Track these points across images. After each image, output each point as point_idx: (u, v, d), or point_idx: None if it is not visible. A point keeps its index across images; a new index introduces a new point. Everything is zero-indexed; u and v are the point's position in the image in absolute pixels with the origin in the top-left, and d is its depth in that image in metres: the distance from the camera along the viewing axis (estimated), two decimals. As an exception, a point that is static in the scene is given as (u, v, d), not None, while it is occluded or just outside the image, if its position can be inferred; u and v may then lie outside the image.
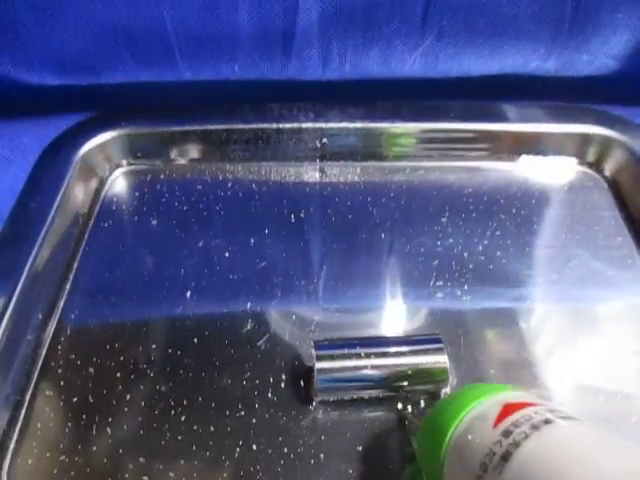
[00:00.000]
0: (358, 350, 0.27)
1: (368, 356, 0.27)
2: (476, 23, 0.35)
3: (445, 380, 0.27)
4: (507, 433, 0.19)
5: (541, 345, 0.31)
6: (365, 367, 0.27)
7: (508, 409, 0.20)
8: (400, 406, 0.28)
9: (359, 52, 0.36)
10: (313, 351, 0.27)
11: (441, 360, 0.27)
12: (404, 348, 0.27)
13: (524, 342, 0.31)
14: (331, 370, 0.27)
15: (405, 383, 0.27)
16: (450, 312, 0.32)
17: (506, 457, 0.18)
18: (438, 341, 0.28)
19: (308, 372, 0.29)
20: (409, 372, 0.27)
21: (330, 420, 0.27)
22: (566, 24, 0.35)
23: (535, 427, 0.18)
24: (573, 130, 0.39)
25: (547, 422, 0.18)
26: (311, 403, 0.28)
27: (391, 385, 0.27)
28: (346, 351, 0.27)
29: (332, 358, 0.27)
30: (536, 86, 0.40)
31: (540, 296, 0.33)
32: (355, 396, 0.28)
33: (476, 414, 0.21)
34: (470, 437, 0.20)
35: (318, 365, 0.27)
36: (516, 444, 0.18)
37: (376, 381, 0.27)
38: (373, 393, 0.28)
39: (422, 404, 0.28)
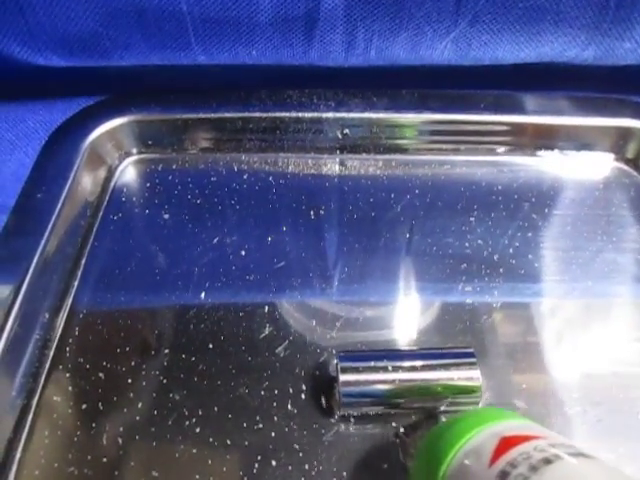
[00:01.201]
0: (385, 363, 0.25)
1: (395, 369, 0.25)
2: (514, 8, 0.32)
3: (477, 397, 0.25)
4: (503, 475, 0.17)
5: (567, 345, 0.29)
6: (392, 381, 0.25)
7: (505, 444, 0.18)
8: (399, 428, 0.26)
9: (386, 37, 0.34)
10: (337, 363, 0.26)
11: (474, 376, 0.25)
12: (434, 362, 0.26)
13: (551, 344, 0.29)
14: (356, 383, 0.25)
15: (435, 399, 0.25)
16: (478, 316, 0.30)
17: None
18: (471, 355, 0.26)
19: (330, 383, 0.27)
20: (439, 388, 0.25)
21: (354, 435, 0.26)
22: (611, 9, 0.32)
23: (534, 468, 0.16)
24: (610, 123, 0.37)
25: (547, 462, 0.16)
26: (333, 416, 0.26)
27: (418, 401, 0.25)
28: (372, 364, 0.25)
29: (357, 371, 0.25)
30: (573, 76, 0.37)
31: (574, 304, 0.31)
32: (380, 411, 0.26)
33: (471, 448, 0.19)
34: (465, 475, 0.18)
35: (342, 378, 0.25)
36: None
37: (403, 396, 0.25)
38: (399, 409, 0.26)
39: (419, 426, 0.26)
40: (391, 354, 0.26)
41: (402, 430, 0.26)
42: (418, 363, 0.26)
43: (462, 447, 0.19)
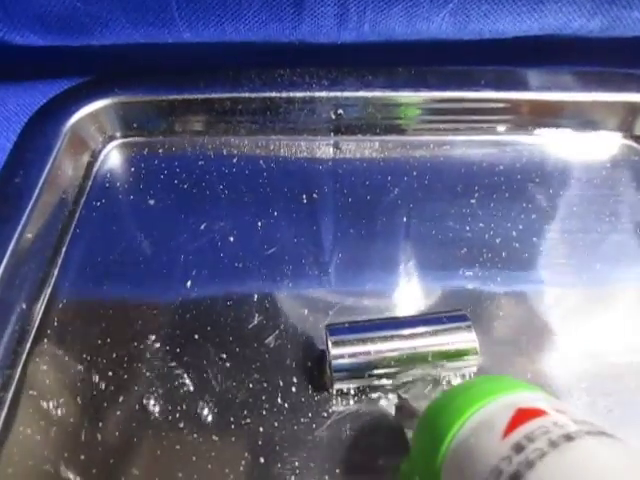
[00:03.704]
0: (376, 333, 0.24)
1: (387, 339, 0.24)
2: (515, -25, 0.30)
3: (474, 360, 0.24)
4: (519, 448, 0.15)
5: (574, 333, 0.28)
6: (385, 351, 0.24)
7: (521, 416, 0.16)
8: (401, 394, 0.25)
9: (380, 9, 0.32)
10: (326, 336, 0.24)
11: (469, 338, 0.24)
12: (427, 328, 0.24)
13: (557, 331, 0.28)
14: (347, 355, 0.23)
15: (432, 366, 0.24)
16: (480, 302, 0.28)
17: (516, 479, 0.14)
18: (464, 318, 0.25)
19: (322, 373, 0.25)
20: (434, 354, 0.24)
21: (347, 430, 0.24)
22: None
23: (553, 444, 0.15)
24: (618, 99, 0.35)
25: (569, 438, 0.15)
26: (326, 410, 0.25)
27: (414, 369, 0.24)
28: (363, 335, 0.24)
29: (348, 343, 0.24)
30: (577, 49, 0.35)
31: (581, 289, 0.29)
32: (376, 382, 0.24)
33: (482, 418, 0.17)
34: (473, 447, 0.16)
35: (334, 351, 0.23)
36: (529, 464, 0.14)
37: (397, 365, 0.24)
38: (394, 380, 0.25)
39: (426, 391, 0.25)
40: (381, 324, 0.25)
41: (403, 395, 0.24)
42: (410, 331, 0.24)
43: (472, 416, 0.17)
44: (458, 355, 0.24)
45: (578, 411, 0.17)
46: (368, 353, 0.24)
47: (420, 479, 0.19)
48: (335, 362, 0.23)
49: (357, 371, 0.24)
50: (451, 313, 0.25)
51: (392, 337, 0.24)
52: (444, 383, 0.25)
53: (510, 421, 0.16)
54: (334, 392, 0.25)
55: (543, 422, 0.16)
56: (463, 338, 0.24)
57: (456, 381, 0.25)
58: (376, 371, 0.24)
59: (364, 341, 0.24)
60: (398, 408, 0.24)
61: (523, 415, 0.16)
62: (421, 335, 0.24)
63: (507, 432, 0.16)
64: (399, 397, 0.25)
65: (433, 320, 0.25)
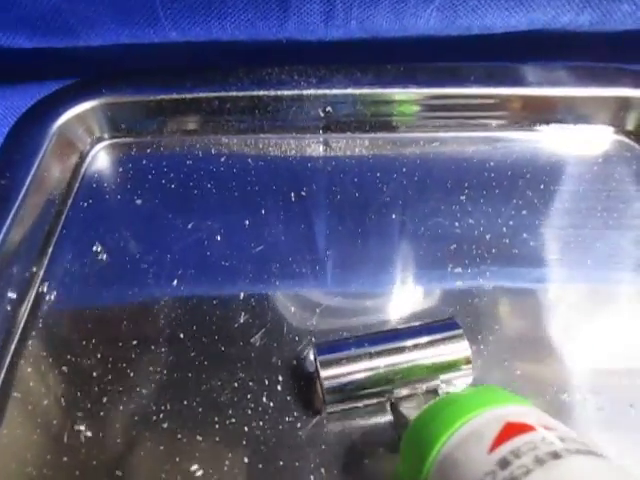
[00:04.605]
0: (367, 349, 0.23)
1: (378, 354, 0.23)
2: (502, -31, 0.30)
3: (469, 369, 0.24)
4: (504, 463, 0.15)
5: (564, 329, 0.27)
6: (377, 368, 0.23)
7: (509, 430, 0.16)
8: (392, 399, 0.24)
9: (366, 6, 0.32)
10: (315, 356, 0.24)
11: (462, 347, 0.23)
12: (418, 340, 0.24)
13: (548, 328, 0.27)
14: (338, 376, 0.23)
15: (426, 379, 0.23)
16: (469, 300, 0.28)
17: None
18: (455, 326, 0.24)
19: (309, 374, 0.25)
20: (427, 366, 0.23)
21: (333, 429, 0.24)
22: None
23: (540, 461, 0.14)
24: (609, 94, 0.35)
25: (556, 456, 0.14)
26: (311, 410, 0.24)
27: (408, 383, 0.23)
28: (353, 351, 0.23)
29: (338, 363, 0.23)
30: (568, 44, 0.35)
31: (572, 286, 0.29)
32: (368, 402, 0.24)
33: (469, 431, 0.17)
34: (459, 460, 0.16)
35: (324, 373, 0.23)
36: None
37: (391, 382, 0.23)
38: (388, 395, 0.24)
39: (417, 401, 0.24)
40: (371, 338, 0.24)
41: (396, 401, 0.24)
42: (401, 344, 0.24)
43: (460, 427, 0.17)
44: (452, 366, 0.23)
45: (568, 428, 0.17)
46: (359, 372, 0.23)
47: None
48: (327, 384, 0.23)
49: (349, 392, 0.23)
50: (442, 321, 0.25)
51: (382, 352, 0.23)
52: (440, 393, 0.24)
53: (497, 435, 0.16)
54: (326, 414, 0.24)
55: (532, 438, 0.15)
56: (456, 348, 0.23)
57: (450, 390, 0.25)
58: (368, 390, 0.23)
59: (354, 359, 0.23)
60: (392, 409, 0.24)
61: (511, 429, 0.16)
62: (412, 348, 0.23)
63: (494, 446, 0.16)
64: (391, 404, 0.24)
65: (423, 330, 0.24)
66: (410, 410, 0.23)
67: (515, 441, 0.15)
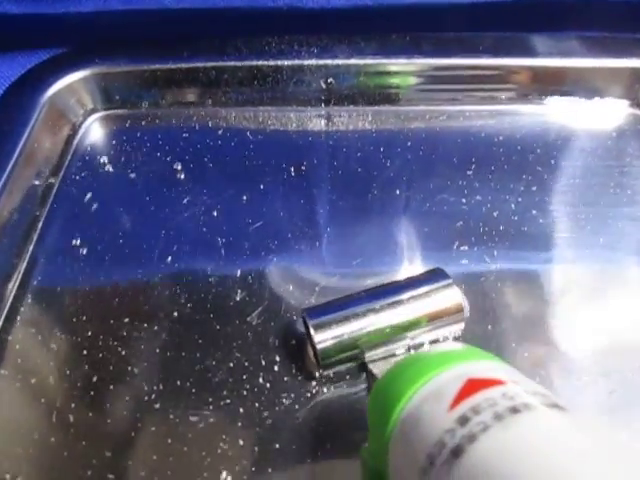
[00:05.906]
0: (356, 309, 0.23)
1: (370, 312, 0.22)
2: None
3: (461, 317, 0.23)
4: (463, 420, 0.14)
5: (574, 310, 0.26)
6: (369, 325, 0.22)
7: (471, 386, 0.15)
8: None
9: (371, -30, 0.30)
10: (306, 321, 0.23)
11: (453, 294, 0.23)
12: (407, 293, 0.23)
13: (557, 308, 0.26)
14: (332, 338, 0.22)
15: (419, 330, 0.23)
16: (476, 279, 0.27)
17: (457, 453, 0.14)
18: (443, 275, 0.24)
19: (305, 353, 0.24)
20: (419, 318, 0.23)
21: (330, 411, 0.23)
22: None
23: (498, 417, 0.14)
24: (624, 65, 0.33)
25: (515, 411, 0.14)
26: (309, 391, 0.23)
27: (403, 338, 0.23)
28: (343, 313, 0.22)
29: (330, 325, 0.22)
30: (580, 13, 0.33)
31: (583, 265, 0.28)
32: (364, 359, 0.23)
33: (431, 389, 0.16)
34: (420, 418, 0.15)
35: (317, 337, 0.22)
36: (471, 438, 0.14)
37: (384, 338, 0.23)
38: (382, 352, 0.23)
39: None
40: (359, 298, 0.23)
41: (371, 365, 0.23)
42: (391, 299, 0.23)
43: (422, 387, 0.16)
44: (445, 314, 0.23)
45: (533, 382, 0.16)
46: (352, 331, 0.22)
47: (371, 456, 0.18)
48: (320, 346, 0.22)
49: (343, 352, 0.22)
50: (430, 273, 0.24)
51: (374, 310, 0.23)
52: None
53: (459, 392, 0.15)
54: (321, 376, 0.24)
55: (492, 393, 0.15)
56: (446, 295, 0.23)
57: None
58: (362, 348, 0.22)
59: (346, 319, 0.22)
60: (365, 370, 0.23)
61: (473, 386, 0.15)
62: (403, 301, 0.23)
63: (454, 404, 0.15)
64: (365, 367, 0.23)
65: (413, 284, 0.24)
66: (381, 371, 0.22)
67: (476, 397, 0.15)
